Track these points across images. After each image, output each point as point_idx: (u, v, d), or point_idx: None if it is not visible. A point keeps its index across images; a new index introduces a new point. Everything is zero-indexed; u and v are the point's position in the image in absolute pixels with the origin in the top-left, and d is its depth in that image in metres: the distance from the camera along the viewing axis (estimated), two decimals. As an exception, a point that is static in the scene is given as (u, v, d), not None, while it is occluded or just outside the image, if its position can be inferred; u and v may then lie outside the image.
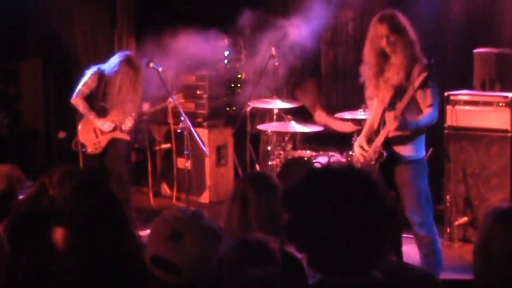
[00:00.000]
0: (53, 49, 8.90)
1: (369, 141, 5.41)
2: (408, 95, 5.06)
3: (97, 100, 6.99)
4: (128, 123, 7.01)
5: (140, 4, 8.94)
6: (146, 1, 8.94)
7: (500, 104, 6.44)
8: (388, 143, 5.23)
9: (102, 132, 7.00)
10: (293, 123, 7.36)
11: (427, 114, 5.15)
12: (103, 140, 7.03)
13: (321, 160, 7.07)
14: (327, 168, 2.32)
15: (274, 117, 7.57)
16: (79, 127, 7.05)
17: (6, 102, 9.00)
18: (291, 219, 2.22)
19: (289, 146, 7.64)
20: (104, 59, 7.31)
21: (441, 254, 5.32)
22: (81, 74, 7.99)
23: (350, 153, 7.04)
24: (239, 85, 8.72)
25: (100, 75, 6.94)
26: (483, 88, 6.67)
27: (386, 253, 2.21)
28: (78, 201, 3.03)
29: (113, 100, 6.95)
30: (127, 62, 6.89)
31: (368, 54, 5.28)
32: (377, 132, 5.33)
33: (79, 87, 6.97)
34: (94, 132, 7.03)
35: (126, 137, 7.12)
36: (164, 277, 2.44)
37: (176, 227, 2.46)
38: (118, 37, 8.83)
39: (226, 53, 8.78)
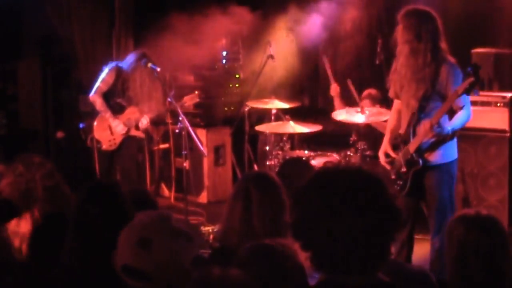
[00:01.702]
0: (51, 49, 8.88)
1: (395, 147, 5.19)
2: (449, 103, 4.85)
3: (114, 96, 7.01)
4: (144, 121, 7.07)
5: (138, 4, 8.93)
6: (144, 1, 8.93)
7: (499, 104, 6.45)
8: (420, 149, 5.01)
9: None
10: (291, 123, 7.36)
11: (462, 116, 4.98)
12: (118, 137, 7.06)
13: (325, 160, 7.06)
14: (336, 168, 2.29)
15: (272, 117, 7.57)
16: (95, 123, 7.07)
17: (5, 102, 8.98)
18: (298, 217, 2.21)
19: (287, 146, 7.64)
20: (103, 59, 7.31)
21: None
22: (79, 74, 8.03)
23: (348, 153, 7.05)
24: (237, 85, 8.72)
25: (118, 71, 6.96)
26: (481, 88, 6.67)
27: (390, 254, 2.21)
28: (90, 204, 3.00)
29: (133, 95, 6.96)
30: (144, 58, 6.91)
31: (399, 52, 5.07)
32: (404, 137, 5.11)
33: (97, 84, 6.97)
34: (109, 129, 7.05)
35: (141, 134, 7.20)
36: (137, 285, 2.39)
37: (144, 233, 2.39)
38: (116, 37, 8.82)
39: (224, 53, 8.78)
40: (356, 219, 2.11)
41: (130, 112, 7.04)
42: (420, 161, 5.01)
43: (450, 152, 5.07)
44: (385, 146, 5.24)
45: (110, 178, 6.76)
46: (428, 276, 2.97)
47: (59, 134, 8.62)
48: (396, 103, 5.32)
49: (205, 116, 8.42)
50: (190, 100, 7.11)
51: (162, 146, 8.70)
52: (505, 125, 6.42)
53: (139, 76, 6.92)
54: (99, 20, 8.72)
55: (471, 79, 4.75)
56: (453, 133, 5.00)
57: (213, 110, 8.51)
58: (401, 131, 5.18)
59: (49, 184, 3.84)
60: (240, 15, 7.96)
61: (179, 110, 6.79)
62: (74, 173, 7.60)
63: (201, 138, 7.99)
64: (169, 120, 8.35)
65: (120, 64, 7.00)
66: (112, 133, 7.05)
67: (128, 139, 7.09)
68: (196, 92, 7.32)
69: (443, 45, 5.02)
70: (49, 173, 3.90)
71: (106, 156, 7.11)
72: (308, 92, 8.76)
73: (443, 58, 4.98)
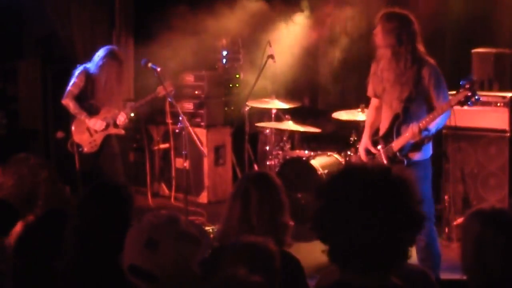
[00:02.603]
0: (51, 49, 8.89)
1: (374, 143, 5.36)
2: (441, 111, 4.99)
3: (87, 99, 7.02)
4: (122, 118, 7.06)
5: (138, 4, 8.93)
6: (144, 1, 8.93)
7: (499, 104, 6.44)
8: (403, 149, 5.17)
9: (96, 130, 7.02)
10: (291, 123, 7.36)
11: (444, 117, 5.12)
12: (98, 138, 7.06)
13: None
14: (363, 166, 2.29)
15: (273, 117, 7.57)
16: (73, 127, 7.07)
17: (5, 102, 8.99)
18: (320, 209, 2.22)
19: (288, 146, 7.64)
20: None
21: (439, 258, 5.26)
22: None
23: (349, 153, 7.05)
24: (237, 85, 8.72)
25: (87, 73, 7.00)
26: (481, 88, 6.67)
27: (408, 257, 2.21)
28: (92, 203, 3.00)
29: (101, 95, 6.99)
30: (111, 55, 6.97)
31: (380, 55, 5.20)
32: (387, 136, 5.25)
33: (68, 88, 7.02)
34: (88, 131, 7.05)
35: (120, 131, 7.17)
36: (143, 286, 2.39)
37: (152, 235, 2.39)
38: (117, 37, 8.82)
39: (225, 53, 8.78)
40: (378, 218, 2.13)
41: (105, 111, 7.05)
42: (405, 161, 5.17)
43: (428, 149, 5.24)
44: (366, 142, 5.39)
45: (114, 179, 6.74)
46: (428, 275, 2.98)
47: (59, 134, 8.60)
48: (374, 101, 5.47)
49: (205, 116, 8.41)
50: (163, 90, 7.01)
51: (162, 146, 8.70)
52: (505, 125, 6.42)
53: (105, 73, 6.94)
54: (99, 20, 8.73)
55: (467, 93, 4.90)
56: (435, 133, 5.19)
57: (213, 110, 8.51)
58: (382, 129, 5.31)
59: (51, 185, 3.85)
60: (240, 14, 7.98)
61: (179, 110, 6.79)
62: (74, 173, 7.60)
63: (201, 138, 7.99)
64: (169, 120, 8.35)
65: (87, 66, 7.02)
66: (91, 134, 7.05)
67: (108, 138, 7.08)
68: (169, 81, 7.25)
69: (421, 47, 5.14)
70: (52, 174, 3.91)
71: (90, 159, 7.10)
72: (308, 92, 8.76)
73: (423, 60, 5.10)
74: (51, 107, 8.83)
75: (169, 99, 7.08)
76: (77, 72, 7.04)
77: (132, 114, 7.53)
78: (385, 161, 5.20)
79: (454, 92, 6.61)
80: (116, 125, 7.07)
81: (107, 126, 7.03)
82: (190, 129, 6.80)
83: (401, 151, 5.17)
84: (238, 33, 8.43)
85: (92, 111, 7.02)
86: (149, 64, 6.86)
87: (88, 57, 7.19)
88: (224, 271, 2.28)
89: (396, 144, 5.18)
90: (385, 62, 5.17)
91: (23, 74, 8.99)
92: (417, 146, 5.15)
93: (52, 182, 3.91)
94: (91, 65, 7.01)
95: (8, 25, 8.80)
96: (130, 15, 8.88)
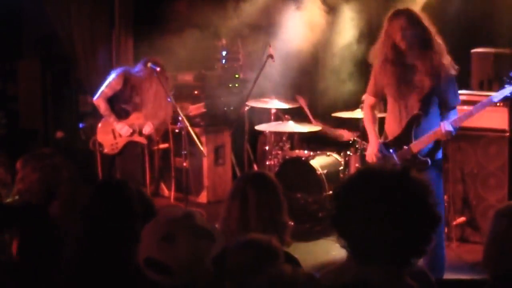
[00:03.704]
0: (51, 49, 8.89)
1: (385, 146, 5.20)
2: (481, 108, 4.99)
3: (119, 102, 6.99)
4: (148, 128, 7.06)
5: (138, 4, 8.93)
6: (143, 1, 8.93)
7: (498, 104, 6.43)
8: (423, 150, 5.08)
9: (121, 134, 7.02)
10: (291, 123, 7.36)
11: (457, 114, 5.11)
12: (121, 142, 7.06)
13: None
14: (383, 167, 2.34)
15: (272, 117, 7.57)
16: (99, 126, 7.07)
17: (5, 102, 9.00)
18: (339, 206, 2.27)
19: (287, 145, 7.64)
20: (102, 59, 7.29)
21: (443, 260, 5.22)
22: (79, 74, 8.01)
23: (348, 152, 7.05)
24: (236, 85, 8.72)
25: (126, 77, 6.93)
26: (481, 88, 6.67)
27: (425, 253, 2.27)
28: (97, 201, 3.01)
29: (143, 102, 6.95)
30: (158, 65, 6.86)
31: (384, 51, 5.08)
32: (401, 138, 5.12)
33: (102, 88, 6.96)
34: (112, 133, 7.05)
35: (143, 141, 7.19)
36: (158, 278, 2.42)
37: (169, 229, 2.44)
38: (116, 37, 8.82)
39: (224, 53, 8.78)
40: (396, 220, 2.16)
41: (134, 118, 7.04)
42: (429, 161, 5.06)
43: (441, 148, 5.21)
44: (377, 144, 5.21)
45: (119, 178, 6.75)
46: (428, 275, 2.97)
47: (59, 134, 8.62)
48: (370, 100, 5.36)
49: (205, 116, 8.41)
50: (195, 110, 7.08)
51: (162, 146, 8.70)
52: (504, 125, 6.42)
53: (149, 83, 6.91)
54: (99, 20, 8.72)
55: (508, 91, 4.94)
56: None
57: (213, 110, 8.50)
58: (394, 130, 5.18)
59: (71, 187, 3.88)
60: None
61: (179, 110, 6.79)
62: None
63: (201, 138, 7.98)
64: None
65: (129, 70, 6.97)
66: (115, 137, 7.05)
67: (130, 144, 7.10)
68: (203, 103, 7.31)
69: (436, 44, 5.07)
70: (74, 176, 3.95)
71: (107, 159, 7.11)
72: (308, 92, 8.75)
73: (439, 58, 5.03)
74: (51, 107, 8.84)
75: (168, 100, 7.07)
76: (114, 73, 6.97)
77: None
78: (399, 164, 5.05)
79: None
80: (141, 134, 7.08)
81: (133, 133, 7.03)
82: (190, 129, 6.80)
83: (421, 152, 5.06)
84: (238, 33, 8.43)
85: (122, 115, 7.00)
86: (149, 64, 6.86)
87: (88, 57, 7.20)
88: (270, 270, 2.34)
89: (417, 145, 5.06)
90: (402, 60, 5.04)
91: (22, 74, 8.99)
92: (437, 145, 5.09)
93: (74, 183, 3.93)
94: (134, 70, 6.95)
95: (8, 25, 8.81)
96: (130, 15, 8.88)
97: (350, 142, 7.06)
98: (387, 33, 5.05)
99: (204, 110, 7.25)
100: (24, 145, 8.89)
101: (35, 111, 8.96)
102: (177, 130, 7.78)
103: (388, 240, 2.17)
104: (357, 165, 6.86)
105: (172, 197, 8.44)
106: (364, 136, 6.94)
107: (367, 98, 5.42)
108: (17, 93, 9.07)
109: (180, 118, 6.80)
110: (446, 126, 4.95)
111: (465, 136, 6.52)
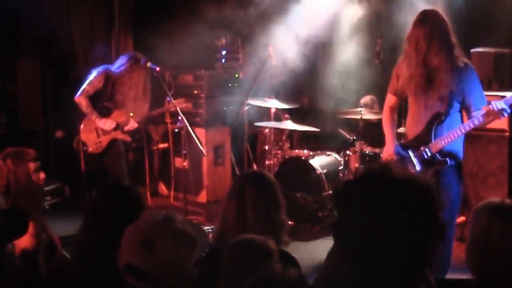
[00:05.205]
0: (50, 48, 8.89)
1: (403, 147, 5.13)
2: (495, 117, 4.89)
3: (101, 100, 6.98)
4: (131, 125, 7.04)
5: (138, 4, 8.94)
6: (143, 1, 8.93)
7: (498, 104, 6.44)
8: (442, 150, 4.99)
9: (104, 132, 7.00)
10: (290, 122, 7.36)
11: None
12: (104, 140, 7.04)
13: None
14: (386, 171, 2.17)
15: (272, 116, 7.57)
16: (82, 125, 7.05)
17: (4, 101, 9.00)
18: (340, 217, 2.15)
19: (287, 145, 7.64)
20: (102, 59, 7.28)
21: (447, 261, 5.16)
22: (78, 74, 7.99)
23: (348, 152, 7.04)
24: (236, 84, 8.72)
25: (107, 74, 6.92)
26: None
27: (432, 263, 2.14)
28: (104, 203, 2.99)
29: (124, 99, 6.94)
30: (137, 62, 6.88)
31: (407, 51, 5.03)
32: (423, 137, 5.04)
33: (84, 86, 6.93)
34: (96, 132, 7.03)
35: (127, 138, 7.15)
36: (137, 285, 2.39)
37: (148, 234, 2.39)
38: (116, 37, 8.82)
39: (224, 52, 8.78)
40: (400, 227, 2.07)
41: (117, 115, 7.01)
42: (448, 161, 4.98)
43: (462, 150, 5.10)
44: (394, 145, 5.15)
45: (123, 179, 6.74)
46: (427, 275, 2.97)
47: (59, 134, 8.62)
48: (391, 99, 5.28)
49: (204, 115, 8.41)
50: (175, 106, 6.98)
51: (161, 145, 8.70)
52: (504, 125, 6.42)
53: (128, 79, 6.90)
54: (99, 20, 8.73)
55: None
56: None
57: (212, 110, 8.50)
58: (414, 130, 5.12)
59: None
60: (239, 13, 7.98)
61: (179, 110, 6.78)
62: (74, 172, 7.61)
63: (200, 137, 7.98)
64: (168, 120, 8.35)
65: (110, 68, 6.97)
66: (98, 135, 7.03)
67: (114, 142, 7.07)
68: (183, 98, 7.28)
69: (457, 47, 5.01)
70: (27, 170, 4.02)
71: (95, 159, 7.09)
72: (308, 92, 8.76)
73: (461, 60, 4.97)
74: (50, 106, 8.84)
75: (168, 99, 7.07)
76: (95, 71, 6.95)
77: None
78: (418, 166, 5.00)
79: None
80: (123, 131, 7.06)
81: (117, 127, 7.00)
82: (190, 128, 6.80)
83: (439, 152, 4.99)
84: (238, 32, 8.43)
85: (104, 113, 6.99)
86: (148, 64, 6.85)
87: (87, 57, 7.19)
88: (260, 269, 2.29)
89: (436, 145, 4.99)
90: (425, 59, 4.97)
91: (22, 73, 8.99)
92: (454, 145, 5.01)
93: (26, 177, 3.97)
94: (114, 67, 6.95)
95: (7, 24, 8.81)
96: (129, 15, 8.88)
97: (350, 142, 7.06)
98: (412, 33, 4.99)
99: (185, 105, 7.17)
100: (24, 144, 8.89)
101: (34, 110, 8.96)
102: (176, 130, 7.78)
103: (391, 251, 2.07)
104: (356, 165, 6.86)
105: (171, 197, 8.45)
106: (364, 137, 6.96)
107: (388, 98, 5.34)
108: (17, 93, 9.07)
109: (180, 118, 6.79)
110: (498, 104, 4.78)
111: (464, 135, 6.52)
